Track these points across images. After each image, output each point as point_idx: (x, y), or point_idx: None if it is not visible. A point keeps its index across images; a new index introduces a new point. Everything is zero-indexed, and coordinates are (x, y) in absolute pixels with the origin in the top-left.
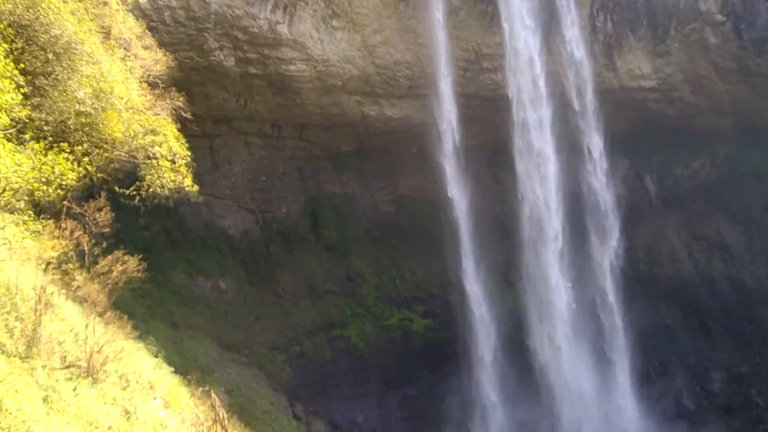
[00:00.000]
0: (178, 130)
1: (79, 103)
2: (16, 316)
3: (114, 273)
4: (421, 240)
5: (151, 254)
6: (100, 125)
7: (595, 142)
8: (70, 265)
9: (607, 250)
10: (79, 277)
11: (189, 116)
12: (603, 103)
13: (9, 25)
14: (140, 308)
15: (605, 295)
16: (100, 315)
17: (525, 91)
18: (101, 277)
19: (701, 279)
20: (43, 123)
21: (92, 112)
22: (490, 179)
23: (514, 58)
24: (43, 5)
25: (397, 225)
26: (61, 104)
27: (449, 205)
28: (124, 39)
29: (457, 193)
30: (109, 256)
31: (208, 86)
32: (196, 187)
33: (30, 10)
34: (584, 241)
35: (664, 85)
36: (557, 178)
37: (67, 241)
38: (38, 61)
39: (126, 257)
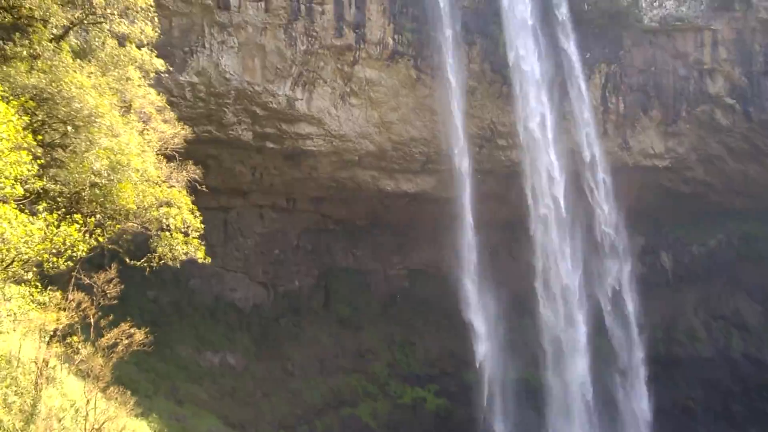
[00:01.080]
0: (193, 202)
1: (95, 175)
2: (16, 390)
3: (119, 347)
4: (435, 315)
5: (159, 326)
6: (115, 197)
7: (609, 220)
8: (75, 338)
9: (625, 328)
10: (84, 351)
11: (204, 189)
12: (617, 181)
13: (31, 98)
14: (145, 383)
15: (624, 374)
16: (103, 390)
17: (539, 169)
18: (106, 350)
19: (722, 359)
20: (57, 194)
21: (107, 183)
22: (506, 254)
23: (528, 136)
24: (67, 80)
25: (411, 300)
26: (77, 176)
27: (464, 280)
28: (145, 113)
29: (472, 267)
30: (116, 329)
31: (224, 159)
32: (209, 260)
33: (53, 84)
34: (601, 318)
35: (678, 164)
36: (573, 254)
37: (73, 313)
38: (57, 133)
39: (132, 330)
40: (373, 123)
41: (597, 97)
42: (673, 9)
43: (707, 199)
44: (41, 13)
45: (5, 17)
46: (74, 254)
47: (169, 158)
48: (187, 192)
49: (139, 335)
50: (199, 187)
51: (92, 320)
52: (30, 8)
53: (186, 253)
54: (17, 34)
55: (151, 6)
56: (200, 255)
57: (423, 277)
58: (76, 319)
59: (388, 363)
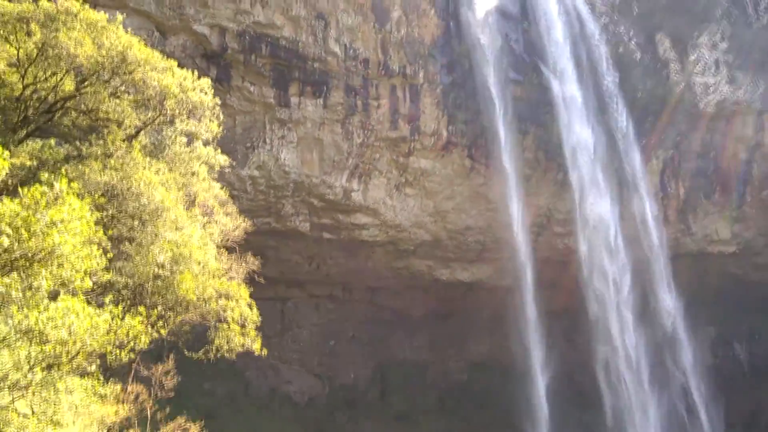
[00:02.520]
0: (251, 292)
1: (158, 267)
2: None
3: None
4: (495, 410)
5: (214, 419)
6: (176, 288)
7: (674, 308)
8: (132, 431)
9: (699, 425)
10: None
11: (262, 280)
12: (681, 268)
13: (102, 195)
14: None
15: None
16: None
17: (598, 256)
18: None
19: None
20: (122, 286)
21: (170, 275)
22: (566, 344)
23: (586, 223)
24: (137, 176)
25: (470, 394)
26: (142, 268)
27: (526, 372)
28: (208, 206)
29: (534, 360)
30: (171, 423)
31: (282, 250)
32: (265, 352)
33: (124, 180)
34: (673, 414)
35: (745, 250)
36: (636, 347)
37: (131, 406)
38: (125, 227)
39: (188, 424)
40: (428, 212)
41: (656, 183)
42: (729, 93)
43: None
44: (116, 116)
45: (84, 120)
46: (136, 346)
47: (230, 250)
48: (246, 282)
49: (195, 430)
50: (257, 279)
51: (149, 413)
52: (106, 111)
53: (243, 345)
54: (93, 135)
55: (217, 105)
56: (256, 347)
57: (482, 370)
58: (134, 412)
59: None
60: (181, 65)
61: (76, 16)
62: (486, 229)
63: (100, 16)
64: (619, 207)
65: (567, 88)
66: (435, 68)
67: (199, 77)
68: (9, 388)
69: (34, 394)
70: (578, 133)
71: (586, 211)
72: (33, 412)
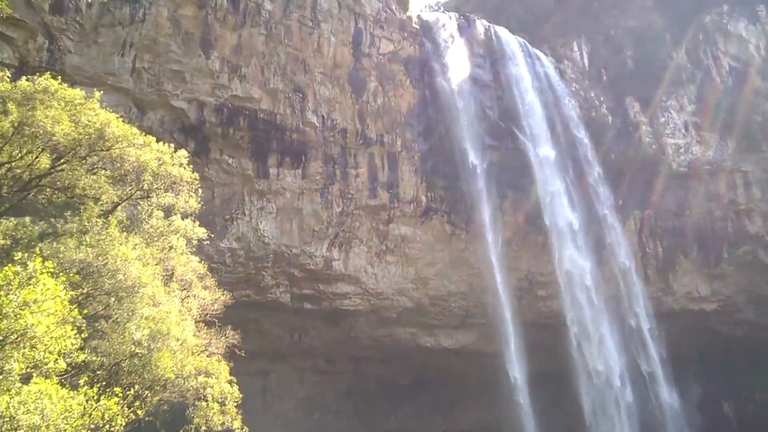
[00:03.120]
0: (231, 367)
1: (135, 345)
2: None
3: None
4: None
5: None
6: (153, 366)
7: (660, 369)
8: None
9: None
10: None
11: (243, 354)
12: (665, 327)
13: (78, 272)
14: None
15: None
16: None
17: (582, 318)
18: None
19: None
20: (97, 366)
21: (147, 353)
22: (555, 409)
23: (569, 285)
24: (113, 253)
25: None
26: (118, 346)
27: None
28: (186, 280)
29: (524, 426)
30: None
31: (263, 322)
32: (246, 430)
33: (100, 257)
34: None
35: (727, 307)
36: (626, 409)
37: None
38: (101, 304)
39: None
40: (409, 279)
41: (634, 243)
42: (699, 153)
43: (763, 341)
44: (93, 192)
45: (59, 197)
46: (112, 429)
47: (209, 324)
48: (226, 357)
49: None
50: (238, 353)
51: None
52: (83, 188)
53: (222, 424)
54: (69, 211)
55: (196, 179)
56: (237, 425)
57: None
58: None
59: None
60: (159, 139)
61: (53, 94)
62: (469, 294)
63: (77, 93)
64: (600, 268)
65: (542, 152)
66: (412, 136)
67: (176, 150)
68: None
69: None
70: (555, 196)
71: (568, 274)
72: None
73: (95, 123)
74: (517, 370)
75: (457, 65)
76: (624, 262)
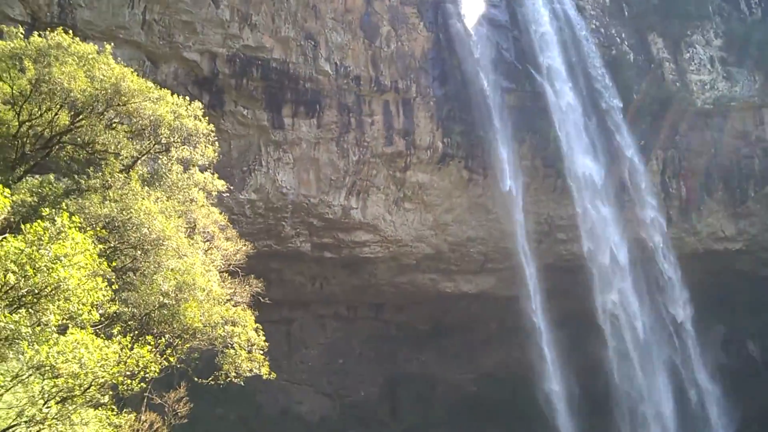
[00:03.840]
0: (256, 316)
1: (163, 296)
2: None
3: None
4: (508, 421)
5: None
6: (182, 316)
7: (682, 310)
8: None
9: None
10: None
11: (267, 302)
12: (688, 268)
13: (104, 227)
14: None
15: None
16: None
17: (602, 260)
18: None
19: None
20: (129, 317)
21: (174, 304)
22: (576, 352)
23: (589, 227)
24: (136, 207)
25: (481, 405)
26: (147, 297)
27: (536, 381)
28: (208, 232)
29: (545, 368)
30: None
31: (285, 271)
32: (274, 375)
33: (124, 212)
34: (688, 416)
35: (752, 246)
36: (647, 350)
37: None
38: (128, 258)
39: None
40: (428, 226)
41: (657, 184)
42: (725, 90)
43: None
44: (113, 147)
45: (80, 153)
46: (147, 375)
47: (233, 274)
48: (251, 306)
49: None
50: (262, 301)
51: None
52: (103, 143)
53: (250, 370)
54: (91, 168)
55: (212, 131)
56: (264, 371)
57: (491, 381)
58: None
59: None
60: (173, 93)
61: (67, 49)
62: (487, 239)
63: (90, 48)
64: (621, 210)
65: (561, 93)
66: (427, 81)
67: (191, 103)
68: (26, 422)
69: (50, 427)
70: (575, 137)
71: (588, 216)
72: None
73: (110, 78)
74: (537, 314)
75: (472, 6)
76: (646, 204)
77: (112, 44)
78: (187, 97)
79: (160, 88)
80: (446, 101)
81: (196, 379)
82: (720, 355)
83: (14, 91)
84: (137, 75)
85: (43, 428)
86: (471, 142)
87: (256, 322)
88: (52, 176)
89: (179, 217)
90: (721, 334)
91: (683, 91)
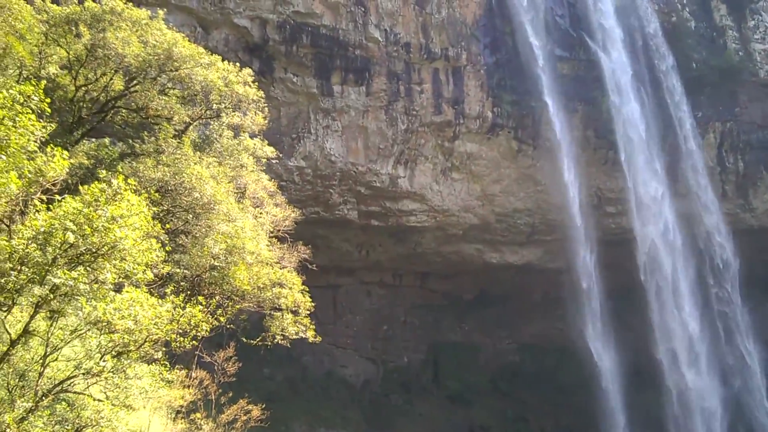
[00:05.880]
0: (304, 281)
1: (213, 258)
2: None
3: (238, 423)
4: (549, 390)
5: (274, 403)
6: (232, 278)
7: (734, 288)
8: (198, 415)
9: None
10: (206, 426)
11: (314, 268)
12: (741, 245)
13: (157, 190)
14: None
15: None
16: None
17: (652, 236)
18: (226, 426)
19: None
20: (181, 278)
21: (225, 266)
22: (621, 325)
23: (639, 202)
24: (188, 172)
25: (523, 374)
26: (198, 260)
27: (581, 353)
28: (258, 197)
29: (591, 340)
30: (234, 406)
31: (332, 238)
32: (318, 339)
33: (176, 176)
34: (731, 397)
35: None
36: (696, 328)
37: (196, 390)
38: (180, 221)
39: (250, 407)
40: (475, 196)
41: (713, 157)
42: None
43: None
44: (166, 112)
45: (134, 118)
46: (198, 334)
47: (281, 239)
48: (298, 271)
49: (256, 411)
50: (309, 266)
51: (213, 397)
52: (156, 108)
53: (296, 332)
54: (145, 132)
55: (262, 98)
56: (310, 334)
57: (534, 351)
58: (199, 396)
59: None
60: (224, 59)
61: (120, 15)
62: (535, 210)
63: (143, 13)
64: (674, 184)
65: (616, 62)
66: (478, 49)
67: (241, 70)
68: (83, 375)
69: (106, 380)
70: (629, 108)
71: (639, 190)
72: (107, 397)
73: (163, 43)
74: (585, 286)
75: None
76: (700, 178)
77: (165, 10)
78: (238, 64)
79: (211, 55)
80: (497, 70)
81: (244, 339)
82: None
83: (70, 56)
84: (189, 41)
85: (100, 380)
86: (521, 112)
87: (302, 286)
88: (107, 140)
89: (229, 182)
90: None
91: (746, 60)
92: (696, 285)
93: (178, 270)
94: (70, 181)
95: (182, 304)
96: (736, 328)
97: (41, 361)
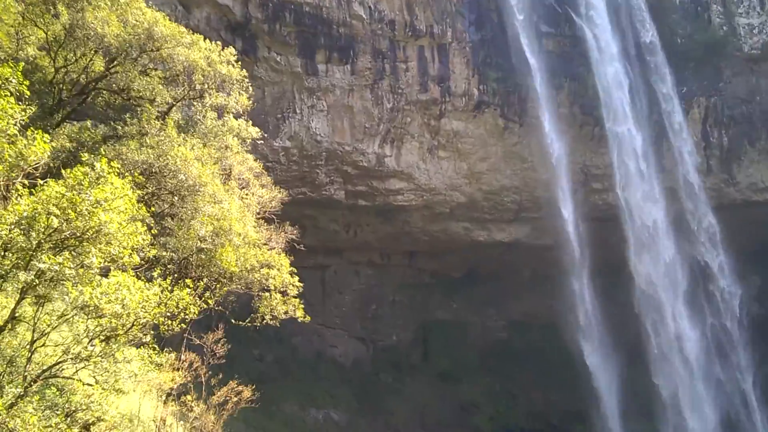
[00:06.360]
0: (292, 262)
1: (200, 241)
2: None
3: (229, 404)
4: (537, 366)
5: (264, 383)
6: (219, 261)
7: (717, 261)
8: (188, 397)
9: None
10: (197, 408)
11: (302, 248)
12: (725, 218)
13: (141, 173)
14: None
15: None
16: None
17: (638, 211)
18: (217, 408)
19: None
20: (168, 261)
21: (212, 248)
22: (607, 300)
23: (625, 177)
24: (172, 154)
25: (511, 351)
26: (185, 242)
27: (568, 329)
28: (244, 179)
29: (578, 316)
30: (225, 388)
31: (319, 219)
32: (308, 318)
33: (161, 158)
34: (712, 362)
35: None
36: (682, 302)
37: (186, 373)
38: (165, 203)
39: (240, 388)
40: (462, 174)
41: (697, 132)
42: None
43: None
44: (148, 93)
45: (116, 99)
46: (186, 317)
47: (268, 221)
48: (286, 252)
49: (247, 393)
50: (297, 247)
51: (203, 379)
52: (138, 90)
53: (286, 313)
54: (128, 114)
55: (245, 78)
56: (299, 314)
57: (522, 328)
58: (189, 378)
59: (490, 417)
60: (206, 39)
61: None
62: (522, 188)
63: None
64: (659, 159)
65: (601, 37)
66: (463, 26)
67: (224, 50)
68: (72, 359)
69: (95, 364)
70: (614, 84)
71: (625, 166)
72: (96, 381)
73: (143, 23)
74: (572, 262)
75: None
76: (685, 152)
77: None
78: (220, 43)
79: (193, 34)
80: (482, 47)
81: (233, 321)
82: (754, 306)
83: (49, 37)
84: (169, 20)
85: (89, 365)
86: (507, 89)
87: (291, 267)
88: (89, 122)
89: (215, 164)
90: (755, 286)
91: (730, 35)
92: (682, 256)
93: (164, 253)
94: (52, 165)
95: (170, 287)
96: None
97: (29, 346)
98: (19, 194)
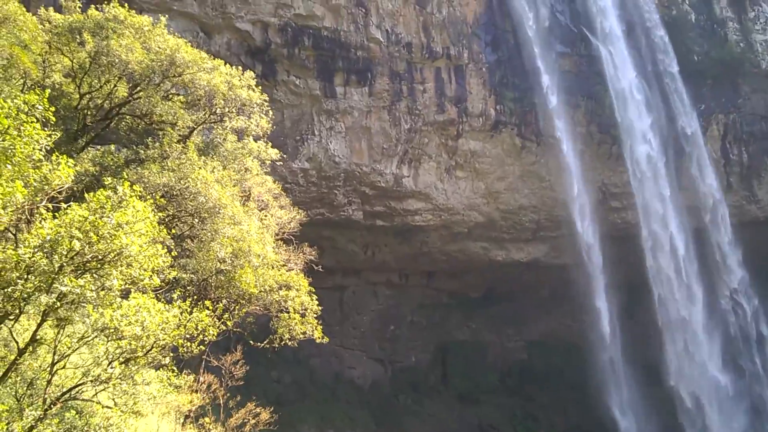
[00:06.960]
0: (310, 282)
1: (220, 262)
2: None
3: (247, 426)
4: (558, 387)
5: (282, 405)
6: (238, 282)
7: (738, 280)
8: (206, 419)
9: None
10: (215, 431)
11: (320, 269)
12: (745, 237)
13: (162, 196)
14: None
15: None
16: None
17: (657, 230)
18: (235, 430)
19: None
20: (187, 282)
21: (231, 270)
22: (628, 319)
23: (643, 196)
24: (193, 176)
25: (531, 372)
26: (204, 264)
27: (589, 348)
28: (263, 200)
29: (599, 335)
30: (243, 410)
31: (337, 240)
32: (326, 339)
33: (181, 181)
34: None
35: None
36: (702, 320)
37: (204, 395)
38: (186, 225)
39: (258, 410)
40: (480, 194)
41: (716, 150)
42: None
43: None
44: (170, 118)
45: (139, 123)
46: (205, 338)
47: (287, 242)
48: (304, 273)
49: (265, 415)
50: (315, 268)
51: (221, 401)
52: (160, 114)
53: (304, 333)
54: (150, 138)
55: (265, 101)
56: (317, 335)
57: (541, 348)
58: (207, 400)
59: None
60: (226, 64)
61: (123, 22)
62: (540, 207)
63: (145, 20)
64: (678, 177)
65: (617, 57)
66: (479, 47)
67: (244, 74)
68: (91, 382)
69: (114, 386)
70: (631, 102)
71: (643, 184)
72: (115, 404)
73: (165, 49)
74: (591, 282)
75: None
76: (704, 170)
77: (167, 16)
78: (240, 68)
79: (214, 59)
80: (499, 67)
81: (251, 342)
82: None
83: (74, 64)
84: (191, 46)
85: (108, 387)
86: (524, 109)
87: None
88: (112, 146)
89: (234, 186)
90: None
91: (747, 51)
92: (702, 275)
93: (184, 275)
94: (75, 189)
95: (189, 309)
96: (745, 320)
97: (49, 369)
98: (42, 218)
